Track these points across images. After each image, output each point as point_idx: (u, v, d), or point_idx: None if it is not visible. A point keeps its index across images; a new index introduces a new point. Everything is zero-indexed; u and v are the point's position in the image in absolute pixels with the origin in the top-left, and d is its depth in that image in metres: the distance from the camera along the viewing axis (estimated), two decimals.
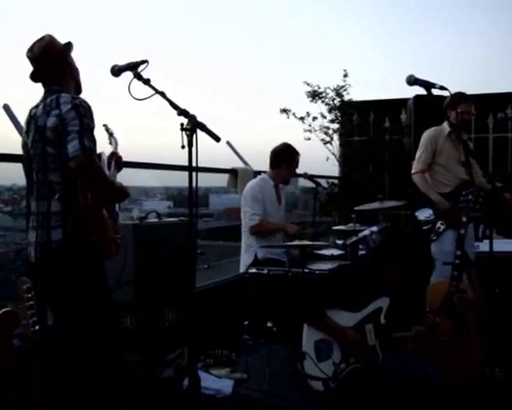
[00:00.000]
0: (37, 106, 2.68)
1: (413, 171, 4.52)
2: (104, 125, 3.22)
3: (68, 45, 2.77)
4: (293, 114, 8.27)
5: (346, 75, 8.28)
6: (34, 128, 2.62)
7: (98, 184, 2.56)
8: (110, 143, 3.20)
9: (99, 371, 2.59)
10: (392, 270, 2.99)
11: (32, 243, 2.62)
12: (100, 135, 3.18)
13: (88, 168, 2.47)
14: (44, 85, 2.72)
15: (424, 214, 4.38)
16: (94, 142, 2.55)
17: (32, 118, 2.67)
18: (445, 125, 4.47)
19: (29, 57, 2.71)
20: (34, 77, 2.74)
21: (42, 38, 2.72)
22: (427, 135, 4.51)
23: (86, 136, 2.48)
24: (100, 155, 2.85)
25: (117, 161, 3.03)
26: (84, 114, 2.53)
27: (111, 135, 3.20)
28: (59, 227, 2.54)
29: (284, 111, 8.27)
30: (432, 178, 4.45)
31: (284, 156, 4.62)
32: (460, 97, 4.27)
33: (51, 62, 2.69)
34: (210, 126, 2.46)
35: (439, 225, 4.22)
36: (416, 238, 3.11)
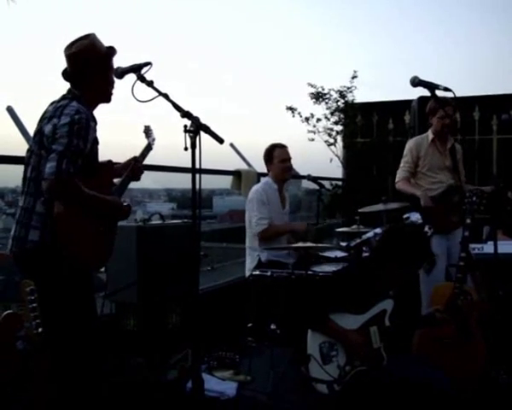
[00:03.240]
0: (52, 103, 2.65)
1: (396, 180, 4.58)
2: (146, 127, 3.12)
3: (111, 50, 2.72)
4: (299, 114, 8.28)
5: (354, 77, 8.28)
6: (39, 127, 2.61)
7: (73, 203, 2.50)
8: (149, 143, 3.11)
9: (75, 380, 2.55)
10: (392, 269, 2.98)
11: (11, 237, 2.60)
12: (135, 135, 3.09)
13: (58, 193, 2.43)
14: (71, 85, 2.68)
15: (412, 218, 4.39)
16: (76, 164, 2.45)
17: (43, 115, 2.64)
18: (429, 132, 4.51)
19: (66, 55, 2.66)
20: (66, 75, 2.70)
21: (85, 38, 2.66)
22: (409, 144, 4.61)
23: (67, 158, 2.42)
24: (106, 163, 2.81)
25: (134, 170, 2.94)
26: (77, 132, 2.48)
27: (148, 137, 3.11)
28: (37, 229, 2.51)
29: (290, 109, 8.27)
30: (417, 185, 4.49)
31: (265, 159, 4.66)
32: (437, 103, 4.25)
33: (85, 66, 2.64)
34: (213, 128, 2.46)
35: (426, 229, 4.22)
36: (415, 236, 3.09)
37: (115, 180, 2.88)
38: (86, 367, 2.61)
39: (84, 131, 2.52)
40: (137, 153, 3.07)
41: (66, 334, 2.54)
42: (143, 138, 3.13)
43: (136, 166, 2.97)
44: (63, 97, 2.65)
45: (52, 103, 2.67)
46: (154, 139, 3.14)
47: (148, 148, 3.10)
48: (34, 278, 2.40)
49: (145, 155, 3.08)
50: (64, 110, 2.53)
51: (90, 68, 2.65)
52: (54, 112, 2.57)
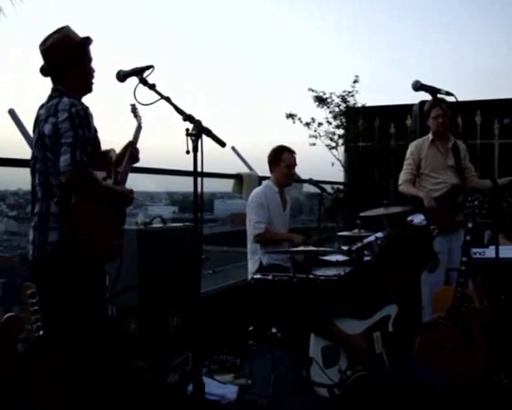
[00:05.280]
0: (42, 106, 2.68)
1: (399, 183, 4.64)
2: (132, 106, 3.08)
3: (86, 40, 2.73)
4: (299, 119, 8.27)
5: (356, 81, 8.26)
6: (37, 131, 2.63)
7: (91, 194, 2.55)
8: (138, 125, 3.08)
9: (88, 375, 2.58)
10: (395, 272, 2.97)
11: (31, 242, 2.62)
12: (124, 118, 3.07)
13: (78, 183, 2.48)
14: (52, 81, 2.70)
15: (416, 220, 4.40)
16: (87, 153, 2.51)
17: (37, 119, 2.67)
18: (430, 134, 4.56)
19: (40, 50, 2.68)
20: (43, 71, 2.72)
21: (58, 31, 2.68)
22: (410, 147, 4.69)
23: (79, 148, 2.47)
24: (109, 152, 2.83)
25: (132, 155, 2.97)
26: (80, 123, 2.52)
27: (136, 117, 3.10)
28: (56, 229, 2.54)
29: (290, 116, 8.26)
30: (420, 186, 4.50)
31: (271, 159, 4.63)
32: (430, 104, 4.42)
33: (61, 58, 2.65)
34: (215, 131, 2.46)
35: (430, 229, 4.22)
36: (417, 239, 3.07)
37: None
38: (94, 370, 2.63)
39: (85, 120, 2.56)
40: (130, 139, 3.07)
41: (80, 335, 2.56)
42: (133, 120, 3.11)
43: (133, 150, 2.99)
44: (51, 97, 2.66)
45: (42, 106, 2.68)
46: (140, 118, 3.11)
47: (139, 128, 3.09)
48: (53, 280, 2.49)
49: (138, 137, 3.08)
50: (58, 107, 2.54)
51: (66, 60, 2.66)
52: (47, 112, 2.57)
